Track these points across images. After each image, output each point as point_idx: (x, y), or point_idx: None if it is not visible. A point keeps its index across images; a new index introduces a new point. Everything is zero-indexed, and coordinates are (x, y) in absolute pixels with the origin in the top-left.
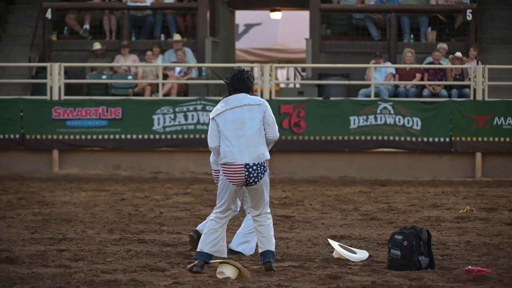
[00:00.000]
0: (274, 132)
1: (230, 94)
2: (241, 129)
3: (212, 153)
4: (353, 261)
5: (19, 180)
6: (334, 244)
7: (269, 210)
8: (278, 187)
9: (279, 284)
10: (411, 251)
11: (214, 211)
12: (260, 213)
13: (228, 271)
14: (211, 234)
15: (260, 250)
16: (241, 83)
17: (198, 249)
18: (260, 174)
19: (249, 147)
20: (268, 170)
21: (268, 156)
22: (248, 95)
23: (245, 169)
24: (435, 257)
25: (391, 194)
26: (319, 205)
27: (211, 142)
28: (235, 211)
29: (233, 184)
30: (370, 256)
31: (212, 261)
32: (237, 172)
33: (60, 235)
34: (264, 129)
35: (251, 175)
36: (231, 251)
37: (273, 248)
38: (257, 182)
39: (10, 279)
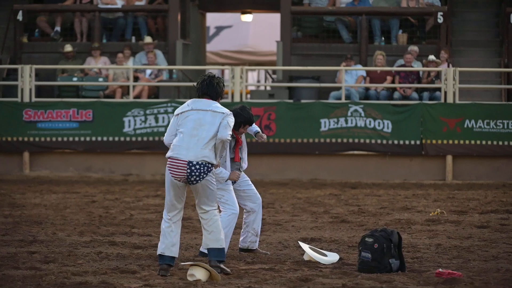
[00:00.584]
0: (223, 133)
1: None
2: (197, 129)
3: None
4: (324, 264)
5: None
6: (304, 246)
7: (215, 207)
8: None
9: (250, 286)
10: (381, 253)
11: (164, 213)
12: (206, 211)
13: (199, 274)
14: (167, 236)
15: (205, 247)
16: (210, 88)
17: (158, 253)
18: (202, 174)
19: (197, 147)
20: (212, 172)
21: (214, 161)
22: (217, 103)
23: (188, 167)
24: (406, 260)
25: (362, 196)
26: (289, 207)
27: (167, 139)
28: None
29: (174, 179)
30: (340, 259)
31: (182, 263)
32: (180, 167)
33: (31, 237)
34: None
35: (193, 173)
36: (201, 253)
37: (218, 246)
38: (198, 181)
39: None
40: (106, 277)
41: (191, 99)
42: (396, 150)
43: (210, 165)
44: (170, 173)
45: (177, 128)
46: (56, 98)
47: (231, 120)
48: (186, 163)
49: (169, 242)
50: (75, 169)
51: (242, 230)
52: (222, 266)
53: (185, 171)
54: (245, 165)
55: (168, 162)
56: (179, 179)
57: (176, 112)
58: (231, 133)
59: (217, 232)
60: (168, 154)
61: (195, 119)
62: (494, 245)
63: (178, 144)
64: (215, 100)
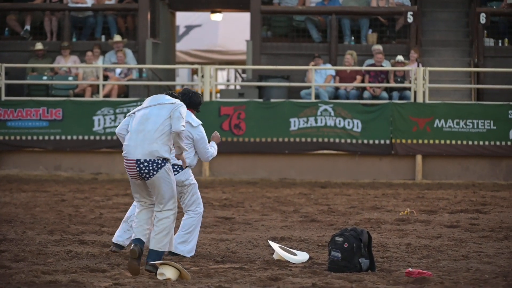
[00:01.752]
0: (177, 125)
1: None
2: (143, 124)
3: None
4: (294, 263)
5: None
6: (274, 246)
7: (171, 207)
8: (218, 188)
9: (220, 285)
10: (351, 253)
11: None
12: (161, 209)
13: (169, 272)
14: (137, 226)
15: (149, 245)
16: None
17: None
18: (151, 171)
19: (144, 143)
20: (166, 166)
21: (164, 154)
22: (167, 96)
23: (136, 165)
24: (376, 259)
25: (331, 196)
26: (259, 206)
27: (118, 129)
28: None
29: (130, 177)
30: (310, 258)
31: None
32: (130, 166)
33: (0, 236)
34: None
35: (142, 171)
36: (170, 253)
37: (157, 248)
38: (149, 178)
39: None
40: (76, 276)
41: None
42: (365, 150)
43: (160, 160)
44: (126, 171)
45: (127, 126)
46: (25, 96)
47: (183, 110)
48: (134, 161)
49: (135, 228)
50: (45, 168)
51: (124, 224)
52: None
53: (135, 169)
54: None
55: (124, 161)
56: (132, 177)
57: (130, 112)
58: (184, 124)
59: (162, 234)
60: (123, 153)
61: (142, 115)
62: (464, 244)
63: (127, 143)
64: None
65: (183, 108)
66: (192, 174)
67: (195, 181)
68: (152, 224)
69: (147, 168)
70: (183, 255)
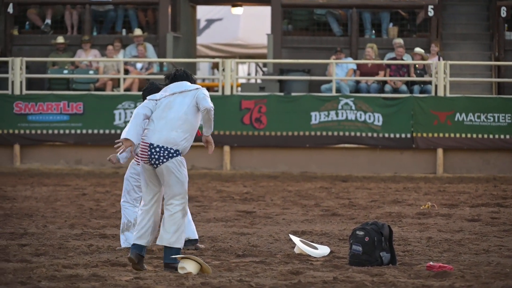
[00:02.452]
0: (205, 103)
1: None
2: (165, 112)
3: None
4: (315, 257)
5: None
6: (295, 239)
7: (178, 203)
8: (239, 182)
9: (241, 279)
10: (372, 247)
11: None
12: (170, 202)
13: (190, 266)
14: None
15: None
16: (183, 78)
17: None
18: (161, 158)
19: (164, 129)
20: (178, 158)
21: (181, 145)
22: (189, 83)
23: (149, 149)
24: (397, 253)
25: (352, 190)
26: (280, 200)
27: (141, 108)
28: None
29: (141, 161)
30: (331, 252)
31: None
32: (143, 149)
33: (22, 230)
34: (198, 106)
35: (152, 156)
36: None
37: (170, 244)
38: (158, 165)
39: None
40: (97, 270)
41: (163, 88)
42: (386, 143)
43: (172, 150)
44: (140, 156)
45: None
46: (46, 90)
47: (206, 92)
48: (148, 145)
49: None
50: (66, 162)
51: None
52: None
53: (147, 153)
54: None
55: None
56: (143, 161)
57: (151, 97)
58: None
59: (172, 229)
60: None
61: (166, 103)
62: (485, 238)
63: (147, 128)
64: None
65: (204, 90)
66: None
67: None
68: (154, 224)
69: (158, 154)
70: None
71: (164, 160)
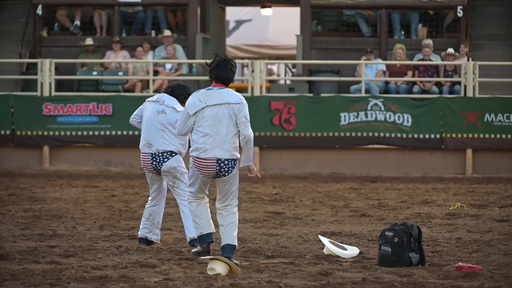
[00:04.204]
0: (247, 131)
1: (211, 81)
2: (217, 126)
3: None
4: (344, 258)
5: (10, 176)
6: (324, 240)
7: (235, 204)
8: (268, 183)
9: (270, 280)
10: (401, 247)
11: (188, 192)
12: (226, 205)
13: (219, 268)
14: (199, 216)
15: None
16: (223, 74)
17: (197, 235)
18: (230, 169)
19: (223, 144)
20: (237, 166)
21: (237, 154)
22: (230, 91)
23: (217, 164)
24: (426, 254)
25: (382, 190)
26: (309, 201)
27: (181, 131)
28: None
29: (203, 176)
30: (360, 253)
31: (202, 257)
32: (209, 165)
33: (51, 231)
34: (238, 128)
35: (222, 170)
36: (141, 240)
37: (230, 242)
38: (223, 176)
39: (1, 275)
40: (126, 271)
41: (201, 92)
42: (416, 144)
43: (234, 162)
44: (199, 171)
45: (194, 126)
46: (76, 92)
47: (246, 110)
48: (215, 161)
49: (202, 222)
50: (95, 163)
51: (145, 221)
52: (234, 261)
53: (214, 169)
54: None
55: (194, 161)
56: (208, 176)
57: (190, 111)
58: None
59: (232, 227)
60: (193, 153)
61: (213, 116)
62: None
63: (202, 146)
64: (226, 85)
65: (246, 108)
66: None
67: (186, 170)
68: (207, 215)
69: (227, 166)
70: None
71: (230, 171)
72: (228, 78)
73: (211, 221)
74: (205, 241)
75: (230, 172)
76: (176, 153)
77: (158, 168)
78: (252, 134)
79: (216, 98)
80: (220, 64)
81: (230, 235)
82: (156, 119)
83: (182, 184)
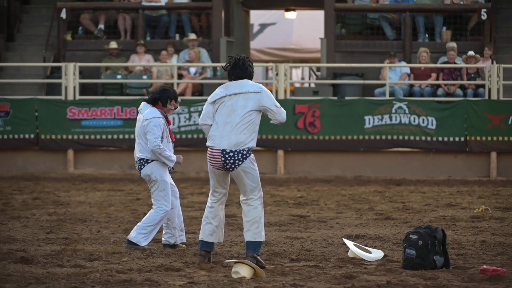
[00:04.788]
0: (280, 116)
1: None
2: (230, 116)
3: None
4: (368, 261)
5: (34, 180)
6: (349, 243)
7: (257, 197)
8: (293, 186)
9: (294, 283)
10: (426, 250)
11: (209, 196)
12: (247, 198)
13: (243, 271)
14: (207, 224)
15: (245, 239)
16: (243, 72)
17: (199, 238)
18: (237, 161)
19: (231, 134)
20: (251, 157)
21: (250, 144)
22: (249, 81)
23: (222, 155)
24: (450, 257)
25: (406, 193)
26: (334, 204)
27: (204, 120)
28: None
29: (212, 167)
30: (385, 256)
31: (227, 260)
32: (215, 156)
33: (75, 235)
34: (268, 116)
35: (227, 161)
36: (129, 242)
37: (252, 238)
38: (234, 169)
39: (26, 279)
40: (151, 275)
41: (224, 84)
42: (440, 147)
43: (245, 151)
44: (208, 161)
45: (212, 115)
46: (100, 95)
47: (270, 98)
48: (220, 151)
49: (207, 229)
50: (119, 167)
51: (165, 226)
52: (258, 258)
53: (220, 159)
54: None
55: (207, 151)
56: (216, 167)
57: (209, 100)
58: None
59: (255, 223)
60: (207, 143)
61: (229, 105)
62: None
63: (213, 133)
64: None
65: (270, 97)
66: (165, 170)
67: (165, 178)
68: (220, 221)
69: (233, 158)
70: (139, 244)
71: (240, 162)
72: (249, 74)
73: (221, 231)
74: (203, 247)
75: (238, 165)
76: (152, 160)
77: (140, 173)
78: (284, 118)
79: (235, 88)
80: (237, 63)
81: (252, 232)
82: (137, 128)
83: (155, 192)
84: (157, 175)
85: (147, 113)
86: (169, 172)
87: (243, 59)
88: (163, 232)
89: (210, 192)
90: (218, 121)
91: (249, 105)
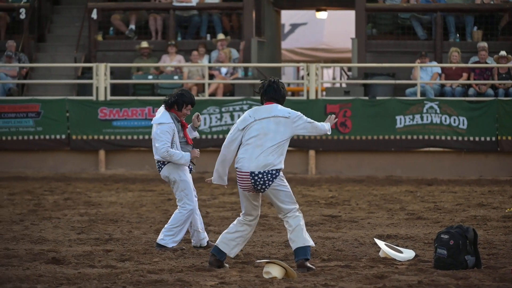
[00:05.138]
0: (316, 130)
1: (262, 104)
2: (261, 139)
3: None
4: (400, 261)
5: (66, 181)
6: (380, 243)
7: (294, 210)
8: (324, 186)
9: (326, 283)
10: (457, 250)
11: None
12: (285, 214)
13: (275, 271)
14: (228, 234)
15: (292, 247)
16: (277, 93)
17: (216, 243)
18: (267, 182)
19: (261, 156)
20: (281, 175)
21: (279, 166)
22: (279, 106)
23: (251, 177)
24: (482, 256)
25: (438, 193)
26: (365, 204)
27: (229, 145)
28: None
29: (242, 190)
30: (416, 256)
31: (258, 260)
32: (244, 178)
33: (107, 236)
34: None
35: (257, 183)
36: (157, 245)
37: (301, 244)
38: (265, 189)
39: (57, 280)
40: (182, 275)
41: (252, 109)
42: (471, 147)
43: (274, 171)
44: (238, 184)
45: (238, 140)
46: (131, 96)
47: (302, 120)
48: (248, 173)
49: (227, 238)
50: (151, 167)
51: (190, 230)
52: (308, 264)
53: (249, 181)
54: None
55: (236, 173)
56: (246, 189)
57: (239, 125)
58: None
59: (298, 230)
60: (235, 165)
61: (258, 129)
62: None
63: (242, 156)
64: (281, 104)
65: (303, 119)
66: (183, 169)
67: (184, 178)
68: (242, 242)
69: (262, 179)
70: (167, 246)
71: (270, 182)
72: (282, 95)
73: (238, 246)
74: (216, 252)
75: (268, 185)
76: (168, 162)
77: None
78: (323, 130)
79: (264, 112)
80: (271, 84)
81: (299, 238)
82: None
83: (177, 193)
84: (175, 176)
85: (156, 118)
86: (190, 171)
87: (277, 81)
88: (191, 235)
89: (242, 214)
90: (248, 144)
91: (281, 130)
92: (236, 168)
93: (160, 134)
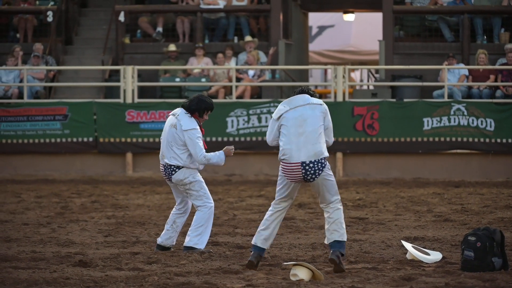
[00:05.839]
0: (331, 138)
1: None
2: (302, 126)
3: None
4: (427, 263)
5: (93, 183)
6: (407, 245)
7: (337, 201)
8: (352, 188)
9: (352, 286)
10: (484, 252)
11: (272, 202)
12: (327, 204)
13: (302, 273)
14: (265, 227)
15: (328, 241)
16: (309, 94)
17: (252, 242)
18: (317, 171)
19: (308, 144)
20: (328, 165)
21: (326, 154)
22: (311, 97)
23: (302, 167)
24: (509, 258)
25: (465, 195)
26: (392, 206)
27: (269, 139)
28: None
29: (290, 181)
30: (443, 258)
31: (285, 263)
32: (294, 170)
33: (134, 238)
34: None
35: (308, 173)
36: (185, 248)
37: (339, 238)
38: (315, 179)
39: (84, 282)
40: (209, 278)
41: (285, 100)
42: (499, 149)
43: (323, 159)
44: (285, 176)
45: (280, 131)
46: (158, 98)
47: (329, 115)
48: (300, 164)
49: (263, 234)
50: None
51: (168, 228)
52: (341, 260)
53: (300, 172)
54: None
55: (281, 165)
56: (295, 180)
57: (274, 116)
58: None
59: (338, 223)
60: (280, 157)
61: (296, 117)
62: None
63: (287, 147)
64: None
65: (329, 114)
66: (196, 171)
67: (198, 178)
68: (276, 229)
69: (313, 169)
70: (195, 247)
71: (320, 172)
72: (310, 92)
73: (272, 238)
74: (255, 251)
75: (318, 175)
76: (182, 167)
77: (170, 179)
78: (332, 141)
79: (299, 101)
80: (304, 89)
81: (336, 232)
82: (169, 133)
83: (194, 194)
84: (190, 178)
85: (186, 123)
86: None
87: (309, 88)
88: (163, 233)
89: (276, 200)
90: (289, 133)
91: (318, 114)
92: (283, 160)
93: (196, 140)
